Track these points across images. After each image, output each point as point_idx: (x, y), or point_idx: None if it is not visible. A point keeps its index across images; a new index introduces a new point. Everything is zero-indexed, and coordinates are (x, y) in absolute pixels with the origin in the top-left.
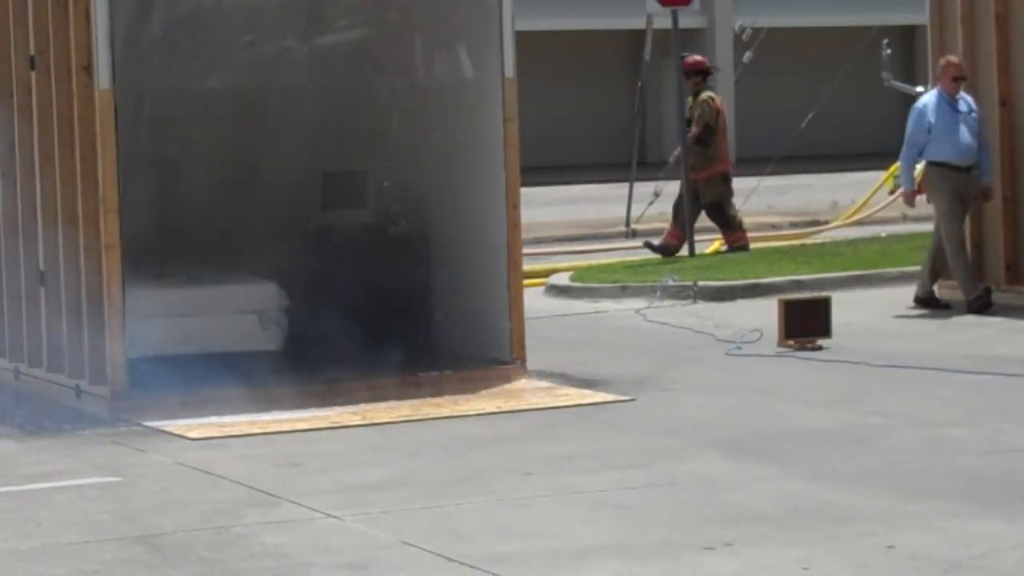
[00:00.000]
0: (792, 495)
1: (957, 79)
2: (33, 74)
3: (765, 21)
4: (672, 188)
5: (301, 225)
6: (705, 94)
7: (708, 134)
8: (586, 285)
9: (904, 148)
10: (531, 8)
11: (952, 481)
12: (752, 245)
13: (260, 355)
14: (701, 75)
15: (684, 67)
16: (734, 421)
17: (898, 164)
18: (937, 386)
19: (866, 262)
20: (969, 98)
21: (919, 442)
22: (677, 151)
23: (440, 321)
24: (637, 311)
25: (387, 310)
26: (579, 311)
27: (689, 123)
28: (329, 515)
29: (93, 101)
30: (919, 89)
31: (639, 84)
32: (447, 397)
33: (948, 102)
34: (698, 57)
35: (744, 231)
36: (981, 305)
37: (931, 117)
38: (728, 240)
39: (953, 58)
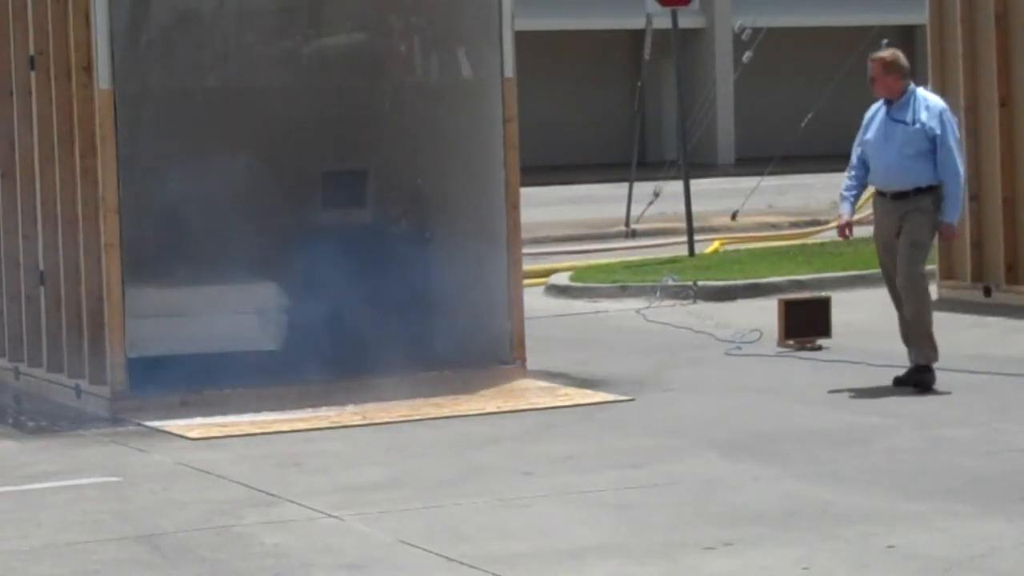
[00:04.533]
0: (792, 495)
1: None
2: (33, 74)
3: (765, 21)
4: (672, 188)
5: (301, 225)
6: None
7: None
8: (586, 285)
9: None
10: (531, 8)
11: (952, 481)
12: (752, 245)
13: (260, 355)
14: None
15: None
16: (734, 421)
17: None
18: (937, 386)
19: (866, 262)
20: (932, 103)
21: (919, 442)
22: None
23: (440, 321)
24: (637, 311)
25: (387, 310)
26: (579, 311)
27: None
28: (329, 515)
29: (93, 101)
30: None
31: (639, 84)
32: (447, 397)
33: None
34: None
35: None
36: (902, 382)
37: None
38: None
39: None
